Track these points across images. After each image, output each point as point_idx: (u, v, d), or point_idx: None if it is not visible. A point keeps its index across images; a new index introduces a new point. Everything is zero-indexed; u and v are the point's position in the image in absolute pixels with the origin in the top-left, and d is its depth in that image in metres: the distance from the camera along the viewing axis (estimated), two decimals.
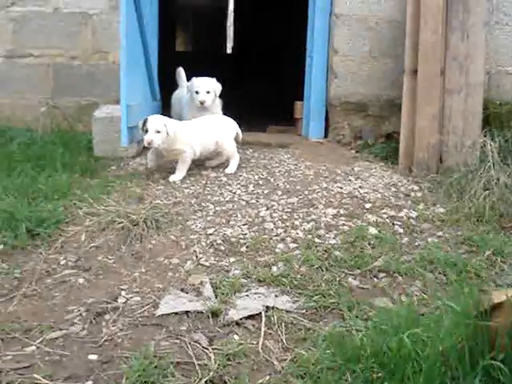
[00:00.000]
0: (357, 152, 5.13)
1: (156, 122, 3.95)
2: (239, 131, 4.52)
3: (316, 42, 5.37)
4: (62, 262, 2.95)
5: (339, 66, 5.32)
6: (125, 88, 4.01)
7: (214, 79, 4.74)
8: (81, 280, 2.78)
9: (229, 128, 4.47)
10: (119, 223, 3.25)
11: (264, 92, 12.02)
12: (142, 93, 4.74)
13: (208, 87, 4.64)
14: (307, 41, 5.49)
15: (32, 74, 5.41)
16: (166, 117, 4.20)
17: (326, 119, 5.42)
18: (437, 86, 4.79)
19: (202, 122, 4.42)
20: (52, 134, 5.01)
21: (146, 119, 3.95)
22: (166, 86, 5.38)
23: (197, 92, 4.63)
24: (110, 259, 2.99)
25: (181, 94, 5.10)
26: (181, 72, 5.27)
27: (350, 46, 5.30)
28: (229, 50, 18.71)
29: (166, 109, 5.28)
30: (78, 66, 5.40)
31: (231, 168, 4.33)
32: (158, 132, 3.92)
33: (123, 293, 2.67)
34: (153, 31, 5.08)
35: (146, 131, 3.92)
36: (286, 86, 11.11)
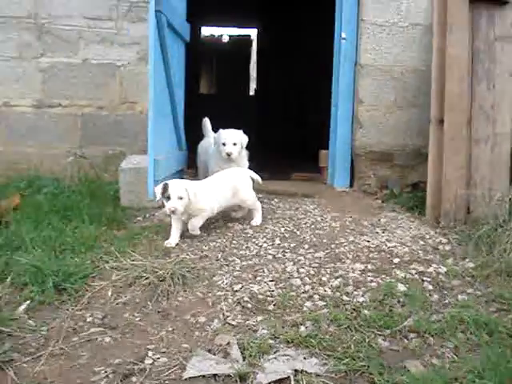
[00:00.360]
0: (383, 202, 5.12)
1: (178, 188, 3.78)
2: (257, 177, 4.47)
3: (341, 91, 5.41)
4: (88, 319, 2.92)
5: (364, 116, 5.35)
6: (152, 142, 4.04)
7: (241, 131, 4.74)
8: (107, 339, 2.75)
9: (244, 179, 4.37)
10: (146, 278, 3.24)
11: (287, 135, 12.12)
12: (169, 144, 4.79)
13: (235, 139, 4.64)
14: (332, 90, 5.54)
15: (60, 124, 5.49)
16: (184, 180, 4.14)
17: (352, 168, 5.42)
18: (463, 136, 4.77)
19: (217, 178, 4.30)
20: (79, 183, 5.06)
21: (166, 185, 3.78)
22: (190, 129, 5.43)
23: (224, 144, 4.63)
24: (136, 316, 2.96)
25: (206, 144, 5.13)
26: (206, 122, 5.31)
27: (375, 96, 5.33)
28: (252, 92, 18.88)
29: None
30: (105, 116, 5.48)
31: (256, 220, 4.31)
32: (181, 198, 3.76)
33: (150, 353, 2.63)
34: (179, 81, 5.14)
35: (168, 198, 3.75)
36: (308, 129, 11.20)
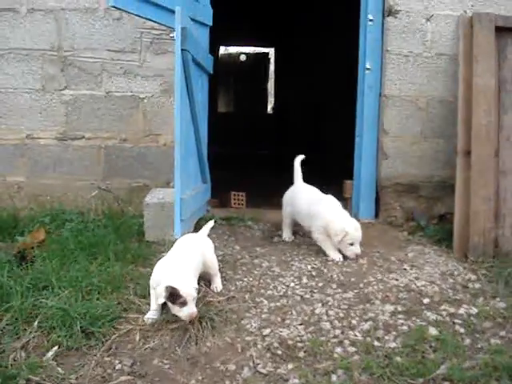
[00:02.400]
0: (409, 234, 5.06)
1: (191, 289, 3.15)
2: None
3: (365, 121, 5.38)
4: (117, 367, 2.88)
5: (389, 147, 5.31)
6: (178, 181, 4.02)
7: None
8: None
9: (208, 244, 3.86)
10: (174, 322, 3.21)
11: (305, 156, 12.08)
12: (194, 179, 4.78)
13: None
14: (356, 120, 5.50)
15: (84, 156, 5.50)
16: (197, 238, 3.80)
17: (377, 199, 5.37)
18: (491, 167, 4.72)
19: (186, 250, 3.60)
20: (103, 216, 5.05)
21: (175, 290, 3.08)
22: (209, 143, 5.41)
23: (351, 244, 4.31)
24: (165, 363, 2.92)
25: (295, 194, 4.90)
26: (298, 165, 5.07)
27: (401, 127, 5.30)
28: (269, 111, 18.92)
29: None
30: (129, 149, 5.48)
31: (217, 285, 3.76)
32: (194, 299, 3.16)
33: None
34: (203, 113, 5.14)
35: (182, 303, 3.09)
36: (327, 152, 11.16)
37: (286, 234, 4.92)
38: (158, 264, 3.40)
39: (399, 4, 5.27)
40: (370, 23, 5.33)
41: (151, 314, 3.30)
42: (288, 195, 4.93)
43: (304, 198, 4.72)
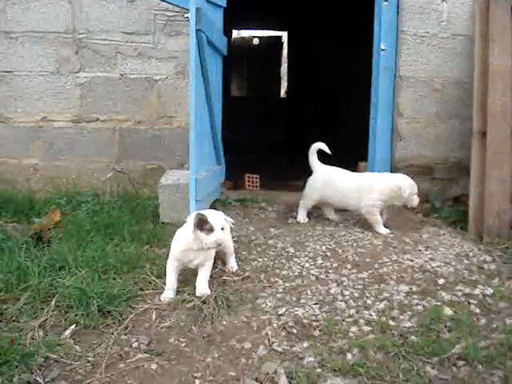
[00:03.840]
0: (424, 215, 5.05)
1: (219, 217, 3.30)
2: (230, 220, 3.56)
3: (380, 103, 5.36)
4: (134, 345, 2.91)
5: (404, 129, 5.29)
6: (194, 162, 4.02)
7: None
8: (154, 366, 2.73)
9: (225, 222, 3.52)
10: (190, 301, 3.23)
11: (318, 140, 12.04)
12: (209, 160, 4.78)
13: None
14: (371, 102, 5.47)
15: (98, 139, 5.53)
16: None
17: None
18: (507, 149, 4.70)
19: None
20: (118, 198, 5.08)
21: (203, 216, 3.22)
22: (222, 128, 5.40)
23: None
24: (181, 342, 2.94)
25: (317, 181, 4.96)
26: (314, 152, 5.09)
27: (416, 108, 5.28)
28: (282, 95, 18.84)
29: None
30: (143, 131, 5.50)
31: (233, 265, 3.79)
32: (222, 229, 3.27)
33: (197, 381, 2.61)
34: (217, 94, 5.13)
35: (209, 230, 3.19)
36: (340, 135, 11.12)
37: (302, 216, 4.94)
38: (178, 232, 3.50)
39: None
40: (385, 3, 5.28)
41: (167, 294, 3.34)
42: (320, 179, 4.90)
43: (346, 178, 4.82)
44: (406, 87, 5.27)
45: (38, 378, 2.60)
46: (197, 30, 3.99)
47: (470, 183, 4.79)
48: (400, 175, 4.70)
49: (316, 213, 5.07)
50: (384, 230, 4.58)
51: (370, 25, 5.49)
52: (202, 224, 3.22)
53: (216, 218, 3.27)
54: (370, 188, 4.62)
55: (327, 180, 4.83)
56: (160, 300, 3.30)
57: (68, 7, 5.42)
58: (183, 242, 3.37)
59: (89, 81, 5.49)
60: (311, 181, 4.96)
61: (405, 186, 4.55)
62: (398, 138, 5.31)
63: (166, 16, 5.35)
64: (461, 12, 5.22)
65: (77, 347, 2.89)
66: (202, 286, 3.33)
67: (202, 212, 3.31)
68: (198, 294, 3.30)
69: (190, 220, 3.25)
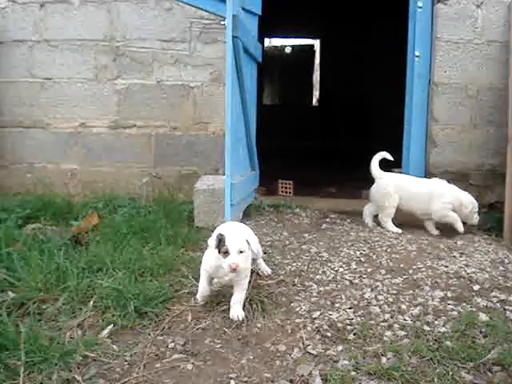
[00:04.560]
0: None
1: (238, 240, 3.07)
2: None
3: (414, 109, 5.35)
4: (170, 345, 2.95)
5: (439, 135, 5.28)
6: (229, 166, 4.08)
7: None
8: (189, 366, 2.77)
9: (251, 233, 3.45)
10: (225, 304, 3.26)
11: (352, 147, 12.06)
12: (243, 166, 4.83)
13: None
14: (405, 108, 5.46)
15: (135, 144, 5.64)
16: (242, 225, 3.57)
17: None
18: None
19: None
20: (154, 203, 5.16)
21: (222, 237, 3.05)
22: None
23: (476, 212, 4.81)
24: (217, 343, 2.97)
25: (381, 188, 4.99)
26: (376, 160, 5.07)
27: (450, 115, 5.26)
28: (314, 103, 18.84)
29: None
30: (178, 137, 5.58)
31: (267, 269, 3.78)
32: (242, 252, 3.05)
33: (232, 382, 2.63)
34: (252, 101, 5.17)
35: (225, 252, 3.02)
36: (373, 142, 11.10)
37: (393, 226, 4.89)
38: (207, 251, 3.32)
39: None
40: (420, 10, 5.28)
41: (198, 298, 3.35)
42: (390, 185, 4.90)
43: (418, 184, 4.89)
44: (441, 93, 5.26)
45: (77, 376, 2.63)
46: (233, 37, 4.05)
47: (505, 190, 4.75)
48: (465, 193, 4.80)
49: (350, 218, 5.08)
50: (462, 228, 4.73)
51: (404, 32, 5.50)
52: (219, 245, 3.05)
53: (235, 239, 3.06)
54: (443, 194, 4.75)
55: (398, 186, 4.87)
56: (195, 302, 3.34)
57: (106, 16, 5.54)
58: (212, 257, 3.21)
59: (126, 87, 5.60)
60: (381, 188, 4.94)
61: (466, 202, 4.69)
62: (433, 144, 5.29)
63: (202, 24, 5.43)
64: (496, 18, 5.19)
65: (114, 347, 2.94)
66: (235, 308, 3.17)
67: (225, 230, 3.15)
68: (230, 316, 3.16)
69: (212, 238, 3.13)
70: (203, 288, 3.32)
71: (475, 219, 4.75)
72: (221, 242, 3.04)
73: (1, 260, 3.64)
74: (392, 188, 4.86)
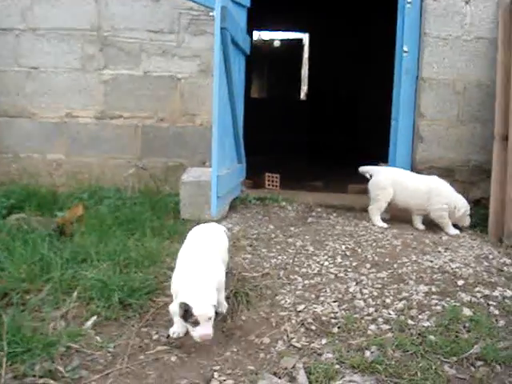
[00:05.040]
0: None
1: (206, 307, 2.70)
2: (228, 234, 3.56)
3: (402, 104, 5.37)
4: (154, 337, 2.94)
5: (425, 131, 5.29)
6: (216, 158, 4.07)
7: None
8: (173, 358, 2.76)
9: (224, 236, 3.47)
10: None
11: (339, 141, 12.08)
12: (230, 158, 4.82)
13: None
14: (393, 103, 5.48)
15: (121, 135, 5.61)
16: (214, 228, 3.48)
17: None
18: None
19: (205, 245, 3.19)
20: (139, 194, 5.15)
21: (187, 306, 2.67)
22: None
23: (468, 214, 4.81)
24: None
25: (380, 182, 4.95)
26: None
27: (437, 111, 5.28)
28: (302, 97, 18.85)
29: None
30: (165, 128, 5.56)
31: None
32: (210, 319, 2.73)
33: (216, 374, 2.63)
34: (240, 94, 5.17)
35: (194, 323, 2.69)
36: (360, 136, 11.14)
37: (379, 221, 4.84)
38: (177, 270, 3.01)
39: None
40: (409, 5, 5.29)
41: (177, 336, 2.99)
42: (388, 179, 4.89)
43: (416, 181, 4.88)
44: (428, 89, 5.27)
45: (59, 367, 2.62)
46: (221, 28, 4.03)
47: (490, 186, 4.77)
48: (458, 196, 4.80)
49: (336, 212, 5.10)
50: (454, 232, 4.71)
51: (392, 27, 5.50)
52: (186, 315, 2.71)
53: (203, 307, 2.68)
54: (440, 193, 4.77)
55: (396, 181, 4.86)
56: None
57: (94, 5, 5.51)
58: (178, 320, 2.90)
59: (113, 78, 5.56)
60: (378, 183, 4.92)
61: (460, 205, 4.71)
62: (419, 140, 5.31)
63: (191, 15, 5.41)
64: (484, 15, 5.21)
65: (98, 338, 2.93)
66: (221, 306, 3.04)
67: (191, 299, 2.69)
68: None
69: (175, 307, 2.77)
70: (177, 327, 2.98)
71: (467, 221, 4.77)
72: (187, 312, 2.69)
73: None
74: (389, 183, 4.85)
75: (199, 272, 2.87)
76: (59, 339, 2.83)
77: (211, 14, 4.17)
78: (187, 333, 2.84)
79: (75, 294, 3.27)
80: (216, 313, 2.81)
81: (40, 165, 5.64)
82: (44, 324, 2.99)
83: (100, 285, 3.29)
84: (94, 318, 3.11)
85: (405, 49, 5.31)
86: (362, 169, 5.00)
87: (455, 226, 4.77)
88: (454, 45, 5.23)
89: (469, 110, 5.28)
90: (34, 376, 2.54)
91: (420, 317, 3.15)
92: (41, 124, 5.64)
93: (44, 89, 5.61)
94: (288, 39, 18.56)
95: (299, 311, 3.19)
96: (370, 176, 4.95)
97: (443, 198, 4.73)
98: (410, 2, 5.29)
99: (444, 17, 5.22)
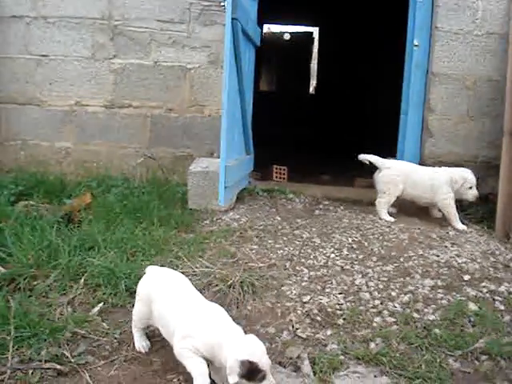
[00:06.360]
0: None
1: (266, 355, 2.30)
2: None
3: (411, 99, 5.35)
4: None
5: (435, 125, 5.28)
6: (224, 148, 4.08)
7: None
8: None
9: None
10: (215, 285, 3.27)
11: (346, 135, 12.06)
12: (238, 149, 4.83)
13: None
14: (402, 98, 5.45)
15: (130, 125, 5.62)
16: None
17: None
18: None
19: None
20: (147, 183, 5.16)
21: (254, 365, 2.21)
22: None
23: (470, 188, 4.72)
24: None
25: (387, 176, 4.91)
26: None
27: (447, 105, 5.26)
28: (311, 91, 18.82)
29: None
30: (174, 118, 5.57)
31: None
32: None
33: None
34: (249, 84, 5.17)
35: (262, 378, 2.23)
36: (368, 131, 11.11)
37: (386, 215, 4.81)
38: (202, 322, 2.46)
39: None
40: (420, 0, 5.27)
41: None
42: (395, 175, 4.85)
43: (420, 172, 4.88)
44: (438, 84, 5.25)
45: (66, 352, 2.66)
46: (232, 19, 4.03)
47: (498, 182, 4.76)
48: (458, 169, 4.79)
49: (343, 206, 5.10)
50: (460, 226, 4.66)
51: (402, 21, 5.48)
52: (252, 374, 2.24)
53: (266, 355, 2.30)
54: (440, 182, 4.74)
55: (407, 175, 4.84)
56: None
57: None
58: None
59: (123, 67, 5.57)
60: (386, 176, 4.88)
61: (456, 178, 4.68)
62: (428, 135, 5.30)
63: (201, 5, 5.40)
64: (496, 10, 5.17)
65: (104, 324, 2.96)
66: None
67: (247, 354, 2.24)
68: None
69: (234, 365, 2.22)
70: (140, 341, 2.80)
71: (470, 195, 4.71)
72: (255, 370, 2.23)
73: None
74: (401, 178, 4.82)
75: (228, 320, 2.54)
76: (66, 325, 2.87)
77: (222, 4, 4.17)
78: None
79: (82, 280, 3.31)
80: None
81: (48, 153, 5.67)
82: (51, 310, 3.03)
83: (107, 272, 3.33)
84: (101, 304, 3.14)
85: (415, 43, 5.29)
86: (362, 157, 4.95)
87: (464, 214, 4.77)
88: (465, 39, 5.20)
89: (478, 105, 5.26)
90: (40, 361, 2.57)
91: (425, 310, 3.16)
92: (50, 112, 5.65)
93: (54, 77, 5.62)
94: (298, 33, 18.50)
95: (305, 302, 3.20)
96: (370, 163, 4.93)
97: (444, 187, 4.71)
98: None
99: (455, 11, 5.19)
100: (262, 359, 2.26)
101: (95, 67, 5.59)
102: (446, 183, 4.70)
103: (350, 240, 4.15)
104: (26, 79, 5.69)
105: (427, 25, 5.28)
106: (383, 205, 4.82)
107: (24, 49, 5.65)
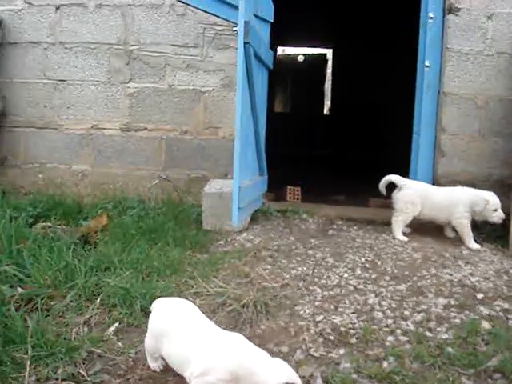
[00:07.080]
0: None
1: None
2: None
3: (423, 119, 5.37)
4: None
5: (447, 145, 5.30)
6: (237, 169, 4.13)
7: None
8: None
9: None
10: (229, 305, 3.30)
11: (361, 156, 12.09)
12: (252, 170, 4.88)
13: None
14: (414, 117, 5.49)
15: (146, 147, 5.71)
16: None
17: None
18: None
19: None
20: (163, 205, 5.22)
21: None
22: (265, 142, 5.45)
23: (495, 210, 4.67)
24: None
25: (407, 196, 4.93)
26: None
27: (459, 125, 5.28)
28: (326, 112, 18.89)
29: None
30: (189, 140, 5.65)
31: None
32: None
33: None
34: (263, 107, 5.23)
35: None
36: (384, 151, 11.14)
37: (400, 235, 4.84)
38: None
39: (460, 2, 5.24)
40: (431, 21, 5.32)
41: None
42: (414, 195, 4.87)
43: (438, 193, 4.89)
44: (450, 103, 5.28)
45: (82, 371, 2.69)
46: (245, 43, 4.10)
47: (511, 201, 4.76)
48: (481, 191, 4.77)
49: (357, 226, 5.13)
50: (475, 245, 4.66)
51: (414, 42, 5.53)
52: None
53: (299, 379, 2.31)
54: (458, 201, 4.75)
55: (424, 196, 4.86)
56: (200, 302, 3.37)
57: (121, 20, 5.62)
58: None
59: (138, 91, 5.67)
60: (406, 196, 4.90)
61: (477, 201, 4.67)
62: (441, 154, 5.32)
63: (215, 30, 5.50)
64: (506, 30, 5.21)
65: (119, 344, 2.99)
66: None
67: (289, 377, 2.26)
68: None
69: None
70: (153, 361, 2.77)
71: (495, 217, 4.66)
72: None
73: (11, 256, 3.70)
74: (419, 199, 4.84)
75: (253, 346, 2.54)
76: (82, 344, 2.90)
77: (235, 28, 4.24)
78: None
79: (98, 300, 3.34)
80: None
81: (66, 175, 5.77)
82: (67, 329, 3.07)
83: (122, 292, 3.36)
84: (116, 324, 3.17)
85: (426, 63, 5.33)
86: (384, 180, 4.99)
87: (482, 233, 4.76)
88: (475, 60, 5.24)
89: (490, 124, 5.28)
90: (57, 379, 2.61)
91: (438, 329, 3.16)
92: (67, 135, 5.77)
93: (71, 101, 5.75)
94: (312, 54, 18.63)
95: (318, 321, 3.21)
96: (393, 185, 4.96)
97: (461, 206, 4.72)
98: (432, 18, 5.32)
99: (466, 32, 5.24)
100: (297, 380, 2.28)
101: (111, 91, 5.70)
102: (462, 203, 4.70)
103: (363, 259, 4.17)
104: (44, 103, 5.82)
105: (438, 45, 5.32)
106: (400, 223, 4.84)
107: (42, 74, 5.79)
